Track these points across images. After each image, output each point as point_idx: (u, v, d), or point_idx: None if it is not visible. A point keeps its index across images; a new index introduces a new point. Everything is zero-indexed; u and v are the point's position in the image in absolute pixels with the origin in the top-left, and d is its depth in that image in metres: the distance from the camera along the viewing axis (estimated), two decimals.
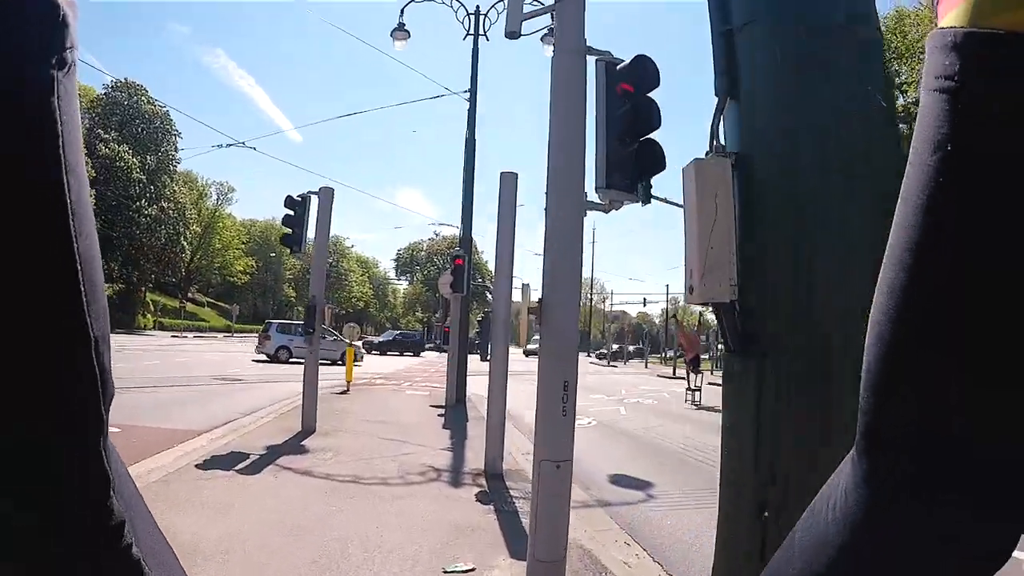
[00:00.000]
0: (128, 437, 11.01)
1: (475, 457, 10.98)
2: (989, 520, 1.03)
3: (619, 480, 10.76)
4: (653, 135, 5.19)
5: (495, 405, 9.96)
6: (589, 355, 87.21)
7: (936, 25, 1.00)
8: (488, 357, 10.76)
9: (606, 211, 5.28)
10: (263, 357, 36.15)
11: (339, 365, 36.64)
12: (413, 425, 14.39)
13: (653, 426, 17.93)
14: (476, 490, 8.76)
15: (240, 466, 9.46)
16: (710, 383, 26.80)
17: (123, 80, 68.23)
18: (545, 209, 5.22)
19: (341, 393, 19.98)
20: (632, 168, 5.18)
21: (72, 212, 1.08)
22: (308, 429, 12.49)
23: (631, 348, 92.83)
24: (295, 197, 13.22)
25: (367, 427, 13.62)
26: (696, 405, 24.21)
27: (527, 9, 5.71)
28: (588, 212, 5.27)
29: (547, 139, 5.27)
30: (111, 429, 1.26)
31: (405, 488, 8.62)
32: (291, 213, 13.20)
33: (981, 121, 0.94)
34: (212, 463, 9.56)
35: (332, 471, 9.39)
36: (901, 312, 1.06)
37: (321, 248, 13.05)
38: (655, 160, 5.18)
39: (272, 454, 10.35)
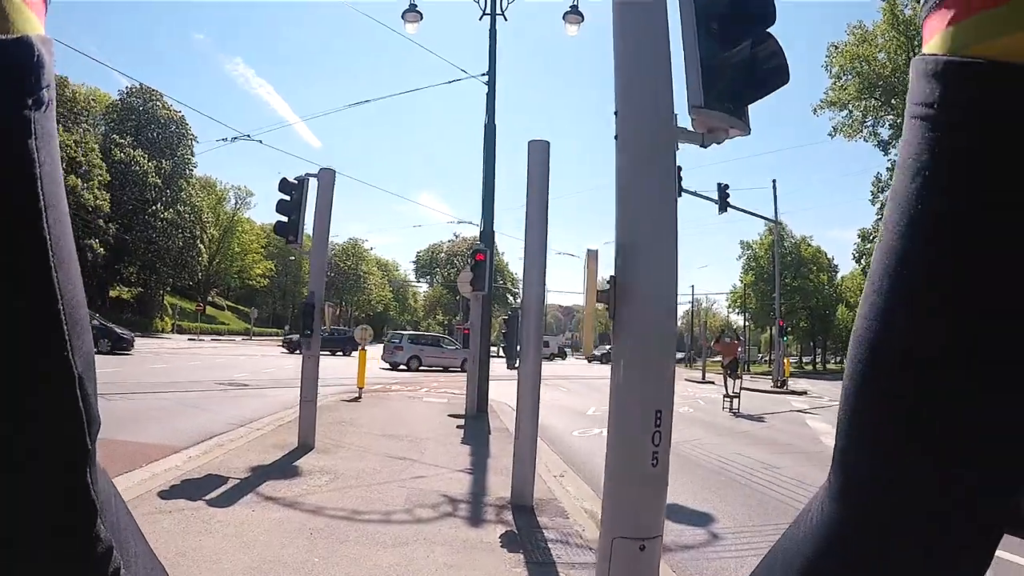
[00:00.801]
0: (99, 450, 9.37)
1: (499, 481, 9.29)
2: (945, 542, 1.10)
3: (672, 511, 8.87)
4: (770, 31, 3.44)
5: (525, 421, 8.22)
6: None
7: (921, 51, 1.04)
8: (515, 363, 8.93)
9: (703, 144, 3.66)
10: (387, 366, 39.24)
11: (453, 372, 37.33)
12: (428, 440, 12.64)
13: (695, 439, 16.23)
14: (501, 530, 6.97)
15: (213, 494, 7.75)
16: (746, 388, 26.15)
17: (139, 85, 67.57)
18: (617, 146, 3.56)
19: (352, 400, 18.26)
20: (740, 80, 3.46)
21: (52, 252, 1.07)
22: (305, 445, 10.79)
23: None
24: (290, 180, 11.55)
25: (374, 442, 11.87)
26: (735, 413, 22.81)
27: None
28: (679, 146, 3.58)
29: (611, 48, 3.60)
30: None
31: (412, 528, 6.85)
32: (286, 198, 11.57)
33: (958, 150, 0.98)
34: (180, 490, 7.89)
35: (324, 502, 7.65)
36: (866, 374, 1.15)
37: (320, 238, 11.49)
38: (775, 68, 3.43)
39: (256, 478, 8.65)
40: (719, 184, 31.35)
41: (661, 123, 3.44)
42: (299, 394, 11.22)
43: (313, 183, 11.52)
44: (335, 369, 29.00)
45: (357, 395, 19.12)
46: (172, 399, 16.32)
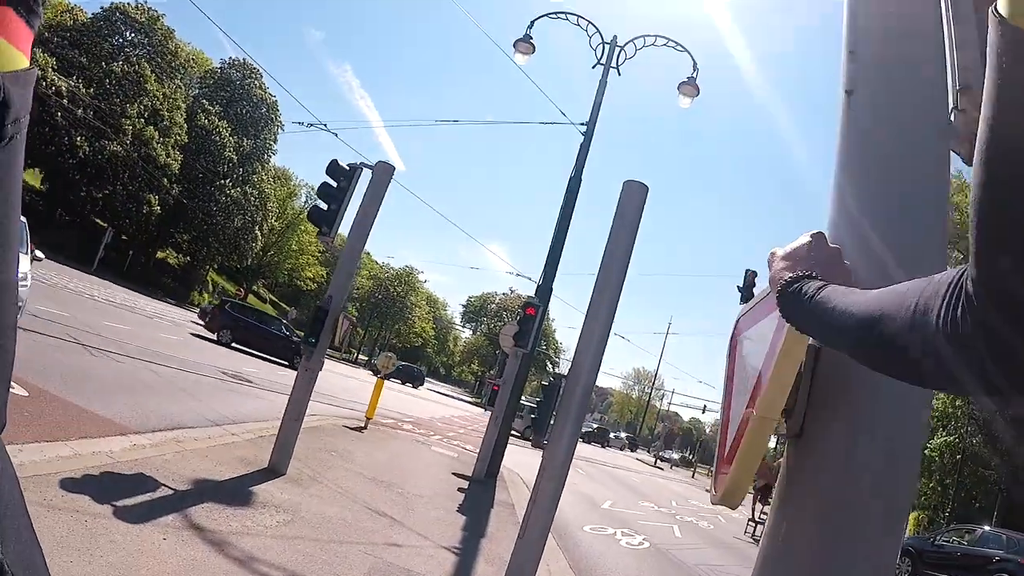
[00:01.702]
0: (31, 407, 7.86)
1: (489, 573, 7.44)
2: None
3: None
4: None
5: (538, 517, 6.41)
6: (635, 451, 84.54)
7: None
8: (544, 440, 7.10)
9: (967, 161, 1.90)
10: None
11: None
12: (421, 498, 10.81)
13: (718, 565, 14.49)
14: None
15: (128, 501, 6.01)
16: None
17: (241, 60, 67.36)
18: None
19: (355, 429, 16.44)
20: None
21: None
22: (274, 469, 9.02)
23: (675, 455, 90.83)
24: (343, 165, 9.97)
25: (359, 486, 10.06)
26: (757, 540, 20.96)
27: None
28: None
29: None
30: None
31: None
32: (332, 183, 10.03)
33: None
34: (91, 484, 6.21)
35: (262, 551, 5.86)
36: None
37: (358, 238, 9.94)
38: None
39: (195, 495, 6.89)
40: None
41: (932, 117, 1.89)
42: (285, 408, 9.46)
43: (366, 176, 9.94)
44: (354, 391, 27.46)
45: (363, 425, 17.32)
46: (162, 374, 14.61)
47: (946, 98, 1.89)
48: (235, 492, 7.52)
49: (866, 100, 1.85)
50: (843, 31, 1.98)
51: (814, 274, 1.31)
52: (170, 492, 6.69)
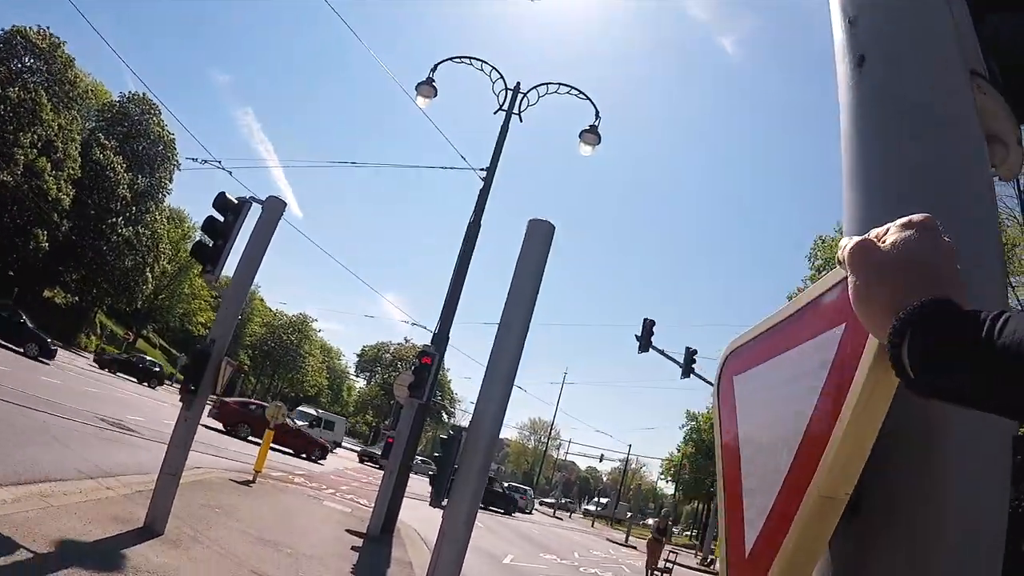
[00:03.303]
0: None
1: None
2: None
3: None
4: None
5: None
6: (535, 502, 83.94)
7: None
8: (443, 502, 6.66)
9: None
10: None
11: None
12: (312, 559, 10.17)
13: None
14: None
15: None
16: (671, 562, 25.15)
17: (140, 95, 66.16)
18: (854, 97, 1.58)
19: (243, 483, 15.61)
20: None
21: None
22: (151, 527, 8.32)
23: (564, 501, 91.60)
24: (231, 198, 9.44)
25: (244, 546, 9.38)
26: None
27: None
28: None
29: None
30: None
31: None
32: (219, 218, 9.48)
33: None
34: None
35: None
36: None
37: (244, 276, 9.44)
38: None
39: (56, 559, 6.21)
40: (687, 348, 31.67)
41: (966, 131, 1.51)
42: (162, 461, 8.76)
43: (255, 212, 9.48)
44: (243, 443, 26.52)
45: (251, 478, 16.48)
46: (35, 421, 13.57)
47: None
48: (105, 555, 6.83)
49: (883, 65, 1.52)
50: None
51: (946, 298, 0.85)
52: (30, 555, 6.00)
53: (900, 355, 0.87)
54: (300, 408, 43.66)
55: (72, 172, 54.47)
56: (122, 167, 60.63)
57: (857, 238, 1.02)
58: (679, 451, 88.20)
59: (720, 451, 1.47)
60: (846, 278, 1.04)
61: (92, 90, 63.60)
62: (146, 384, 47.90)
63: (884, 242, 0.99)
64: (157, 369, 52.36)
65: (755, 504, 1.25)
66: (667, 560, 23.15)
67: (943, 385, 0.84)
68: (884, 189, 1.41)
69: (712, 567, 37.53)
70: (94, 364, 47.99)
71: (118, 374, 46.47)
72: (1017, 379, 0.75)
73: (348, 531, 14.06)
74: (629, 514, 77.80)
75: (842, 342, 1.10)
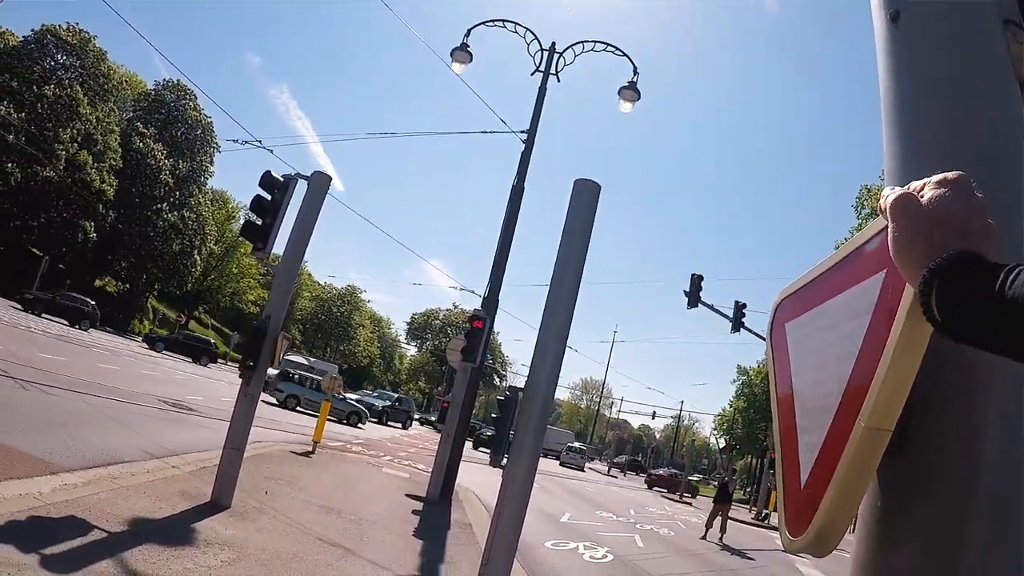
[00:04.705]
0: None
1: None
2: None
3: None
4: None
5: (503, 537, 6.06)
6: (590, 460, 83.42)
7: None
8: (503, 460, 6.71)
9: None
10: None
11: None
12: (375, 524, 10.38)
13: (683, 573, 14.52)
14: None
15: (57, 549, 5.56)
16: (732, 518, 25.23)
17: (174, 81, 66.88)
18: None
19: (302, 455, 15.91)
20: None
21: None
22: (218, 502, 8.55)
23: (622, 459, 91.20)
24: (277, 176, 9.55)
25: (308, 515, 9.60)
26: (719, 544, 21.78)
27: None
28: None
29: None
30: None
31: None
32: (266, 196, 9.59)
33: None
34: (16, 530, 5.80)
35: None
36: None
37: (295, 252, 9.54)
38: None
39: (130, 537, 6.41)
40: (736, 302, 31.45)
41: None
42: (225, 437, 8.97)
43: (301, 188, 9.56)
44: (301, 415, 26.89)
45: (310, 449, 16.80)
46: (97, 405, 13.95)
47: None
48: (175, 531, 7.05)
49: (917, 18, 1.56)
50: None
51: (972, 252, 0.93)
52: (104, 535, 6.22)
53: (929, 302, 0.95)
54: (287, 357, 41.21)
55: (114, 163, 55.29)
56: (162, 154, 61.47)
57: (898, 190, 1.09)
58: (731, 406, 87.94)
59: (775, 394, 1.55)
60: (885, 227, 1.11)
61: (127, 81, 64.39)
62: (198, 362, 48.19)
63: (922, 196, 1.05)
64: (207, 346, 52.49)
65: (809, 440, 1.33)
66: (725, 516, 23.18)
67: (965, 331, 0.92)
68: (921, 142, 1.46)
69: (766, 521, 37.32)
70: (144, 345, 48.47)
71: (165, 353, 46.83)
72: (1021, 328, 0.82)
73: (408, 496, 14.27)
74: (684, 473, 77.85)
75: (883, 287, 1.18)
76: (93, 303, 45.62)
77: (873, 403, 1.12)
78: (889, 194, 1.10)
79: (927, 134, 1.46)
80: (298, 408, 33.19)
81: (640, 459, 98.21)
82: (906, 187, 1.10)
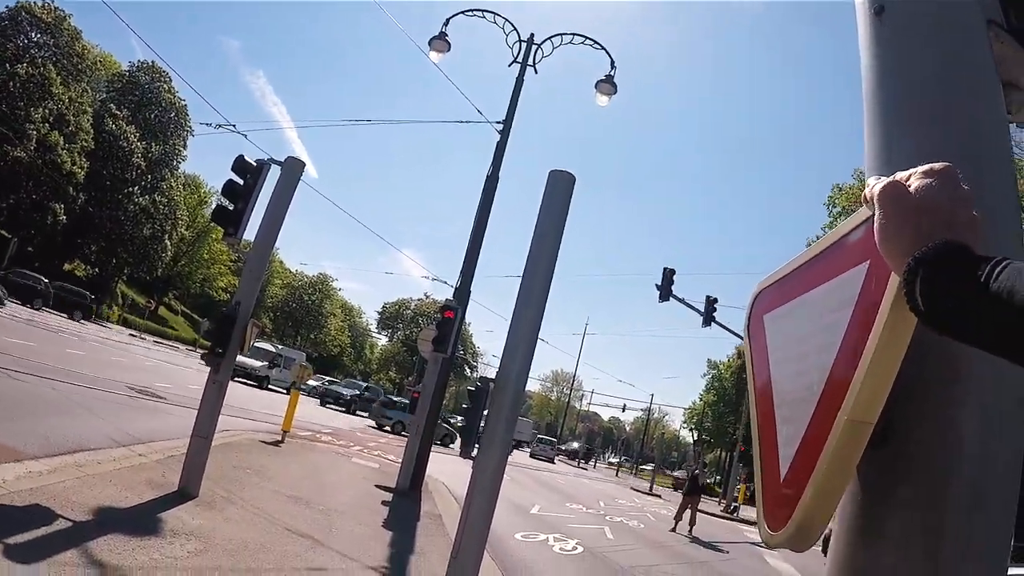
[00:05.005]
0: None
1: None
2: None
3: None
4: None
5: (473, 529, 6.05)
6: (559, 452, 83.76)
7: None
8: (472, 452, 6.72)
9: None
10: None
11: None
12: (344, 514, 10.33)
13: (652, 565, 14.53)
14: None
15: (18, 538, 5.52)
16: (701, 511, 25.37)
17: (148, 63, 66.01)
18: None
19: (272, 444, 15.82)
20: None
21: None
22: (185, 492, 8.47)
23: (575, 446, 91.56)
24: (249, 161, 9.45)
25: (277, 505, 9.53)
26: (688, 536, 21.76)
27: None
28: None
29: None
30: None
31: None
32: (238, 182, 9.49)
33: None
34: None
35: None
36: None
37: (266, 238, 9.43)
38: None
39: (95, 526, 6.33)
40: (708, 296, 31.64)
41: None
42: (192, 426, 8.89)
43: (274, 174, 9.48)
44: (272, 403, 26.71)
45: (279, 439, 16.70)
46: (63, 392, 13.75)
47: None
48: (142, 520, 6.97)
49: (901, 13, 1.56)
50: None
51: (959, 242, 0.92)
52: (69, 524, 6.13)
53: (913, 291, 0.93)
54: (256, 344, 39.80)
55: (85, 144, 54.61)
56: (135, 136, 60.89)
57: (886, 179, 1.08)
58: (701, 400, 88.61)
59: (753, 387, 1.53)
60: (870, 218, 1.10)
61: (101, 61, 63.79)
62: (71, 318, 44.94)
63: (909, 185, 1.04)
64: (81, 299, 49.30)
65: (789, 433, 1.31)
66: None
67: (947, 322, 0.90)
68: (904, 135, 1.45)
69: (735, 514, 37.57)
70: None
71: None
72: (1004, 323, 0.81)
73: (377, 486, 14.23)
74: (652, 465, 78.29)
75: (867, 278, 1.16)
76: (47, 281, 43.58)
77: (856, 396, 1.10)
78: (876, 183, 1.09)
79: (910, 129, 1.46)
80: (403, 433, 33.54)
81: (592, 448, 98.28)
82: (892, 176, 1.08)
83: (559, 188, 6.63)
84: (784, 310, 1.47)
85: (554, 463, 60.41)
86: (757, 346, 1.56)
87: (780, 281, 1.50)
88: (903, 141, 1.44)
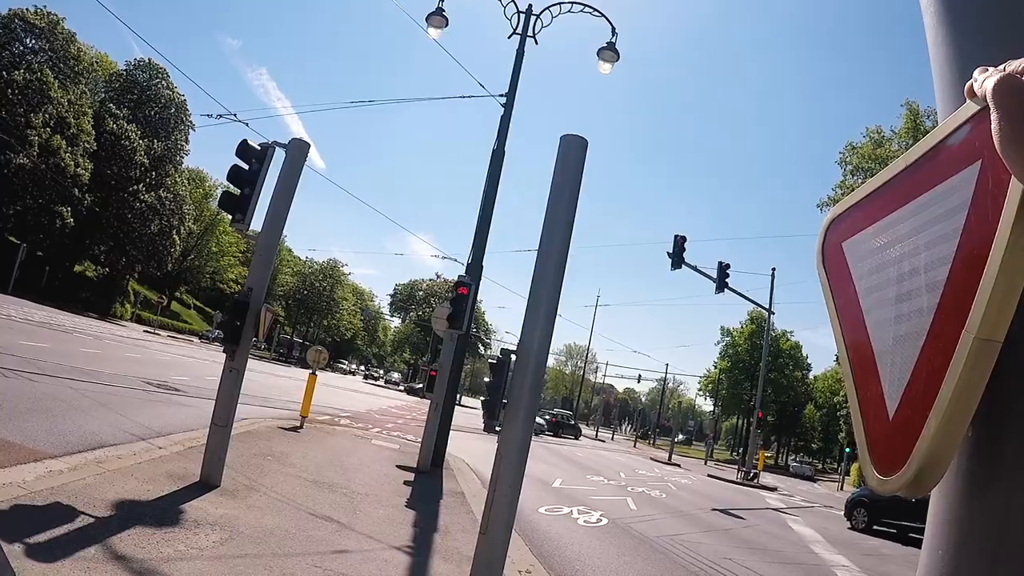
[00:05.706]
0: None
1: (448, 572, 7.02)
2: None
3: None
4: None
5: (502, 502, 5.95)
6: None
7: None
8: (498, 427, 6.61)
9: None
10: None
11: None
12: (367, 496, 10.29)
13: (677, 535, 14.34)
14: None
15: (41, 536, 5.43)
16: (713, 476, 24.48)
17: (146, 60, 66.05)
18: None
19: (291, 430, 15.80)
20: None
21: None
22: (208, 481, 8.43)
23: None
24: (253, 145, 9.33)
25: (299, 491, 9.49)
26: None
27: None
28: None
29: None
30: None
31: None
32: (243, 166, 9.35)
33: None
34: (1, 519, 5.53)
35: None
36: None
37: (275, 222, 9.30)
38: None
39: (119, 520, 6.28)
40: (720, 263, 31.40)
41: None
42: (211, 415, 8.83)
43: (279, 157, 9.38)
44: (285, 389, 26.73)
45: (298, 424, 16.69)
46: (80, 390, 13.75)
47: None
48: (165, 512, 6.92)
49: None
50: None
51: None
52: (90, 520, 6.08)
53: None
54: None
55: (88, 146, 54.59)
56: (136, 134, 60.77)
57: (996, 72, 0.93)
58: (716, 367, 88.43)
59: (838, 324, 1.39)
60: (975, 115, 0.99)
61: (97, 62, 63.80)
62: None
63: None
64: None
65: (895, 365, 1.18)
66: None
67: None
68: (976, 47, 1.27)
69: (755, 481, 37.34)
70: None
71: None
72: None
73: (398, 467, 14.21)
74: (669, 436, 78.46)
75: (980, 179, 1.03)
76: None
77: (984, 310, 0.98)
78: (986, 76, 0.94)
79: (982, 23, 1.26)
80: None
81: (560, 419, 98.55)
82: (1003, 67, 0.93)
83: (572, 152, 6.48)
84: (869, 233, 1.33)
85: (579, 439, 60.10)
86: (838, 278, 1.42)
87: (858, 204, 1.38)
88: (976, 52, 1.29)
